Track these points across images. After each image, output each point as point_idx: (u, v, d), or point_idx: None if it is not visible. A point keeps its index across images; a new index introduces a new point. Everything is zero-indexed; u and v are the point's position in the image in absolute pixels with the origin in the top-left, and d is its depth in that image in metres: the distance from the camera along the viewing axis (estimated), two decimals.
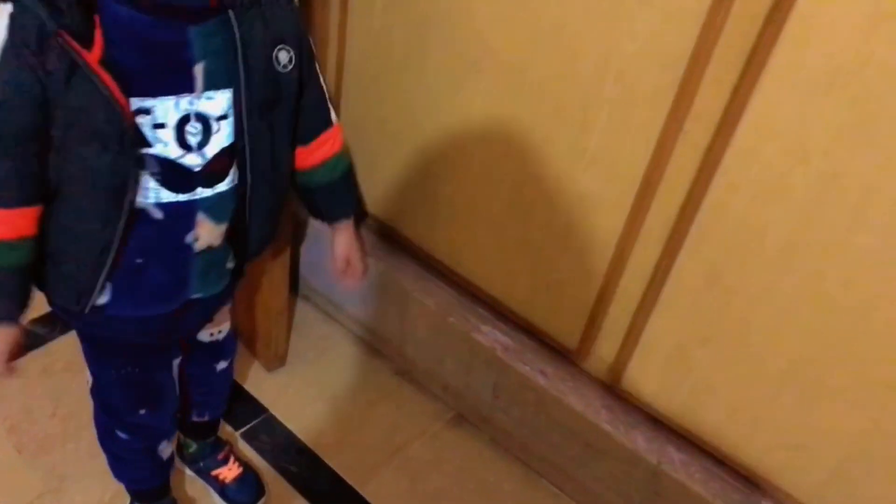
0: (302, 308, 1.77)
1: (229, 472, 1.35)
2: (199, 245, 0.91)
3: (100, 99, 0.76)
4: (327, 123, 1.03)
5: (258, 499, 1.35)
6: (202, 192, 0.87)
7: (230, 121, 0.85)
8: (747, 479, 1.24)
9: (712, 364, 1.18)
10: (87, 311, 0.90)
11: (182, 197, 0.86)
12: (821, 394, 1.08)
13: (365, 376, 1.65)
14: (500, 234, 1.37)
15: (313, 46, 0.96)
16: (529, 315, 1.42)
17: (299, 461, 1.45)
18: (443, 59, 1.29)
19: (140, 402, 1.10)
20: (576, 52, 1.12)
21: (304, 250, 1.71)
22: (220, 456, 1.35)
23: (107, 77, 0.76)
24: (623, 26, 1.05)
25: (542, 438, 1.45)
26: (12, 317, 0.88)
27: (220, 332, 1.20)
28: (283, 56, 0.87)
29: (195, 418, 1.30)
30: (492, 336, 1.46)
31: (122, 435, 1.13)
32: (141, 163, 0.82)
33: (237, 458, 1.37)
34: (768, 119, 0.98)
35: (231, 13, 0.81)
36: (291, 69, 0.89)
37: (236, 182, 0.89)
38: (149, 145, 0.82)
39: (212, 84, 0.82)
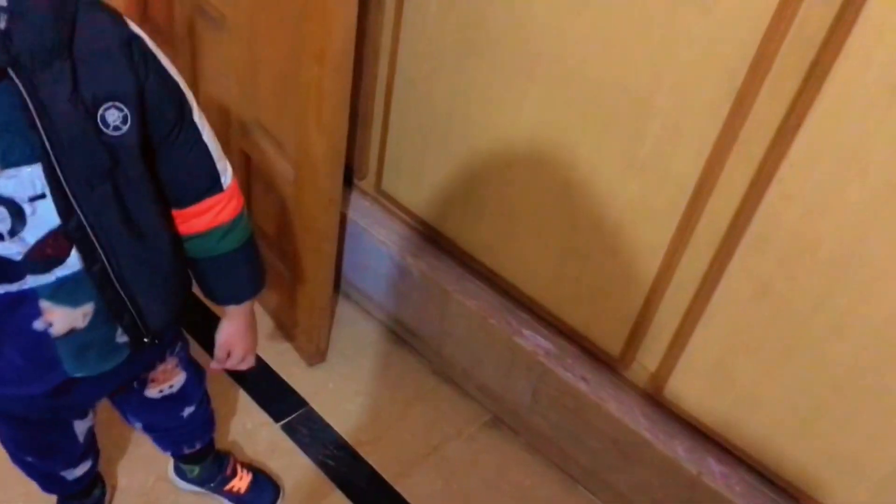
0: (343, 305, 1.79)
1: (241, 481, 1.32)
2: (57, 330, 0.79)
3: None
4: (213, 188, 0.86)
5: (276, 498, 1.34)
6: (36, 280, 0.75)
7: (49, 200, 0.71)
8: (789, 494, 1.22)
9: (758, 376, 1.17)
10: None
11: (11, 287, 0.74)
12: (870, 408, 1.07)
13: (403, 374, 1.66)
14: (546, 239, 1.38)
15: (188, 98, 0.81)
16: (572, 320, 1.42)
17: (337, 455, 1.46)
18: (495, 63, 1.30)
19: (26, 452, 1.04)
20: (629, 60, 1.12)
21: (347, 248, 1.73)
22: (228, 471, 1.32)
23: None
24: (679, 34, 1.05)
25: (580, 444, 1.45)
26: None
27: (170, 386, 1.07)
28: (112, 116, 0.71)
29: (186, 451, 1.24)
30: (533, 340, 1.46)
31: (19, 463, 1.08)
32: None
33: (243, 465, 1.35)
34: (827, 131, 0.97)
35: (13, 75, 0.65)
36: (126, 130, 0.72)
37: (84, 264, 0.76)
38: None
39: (10, 161, 0.68)
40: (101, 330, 0.82)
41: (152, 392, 1.05)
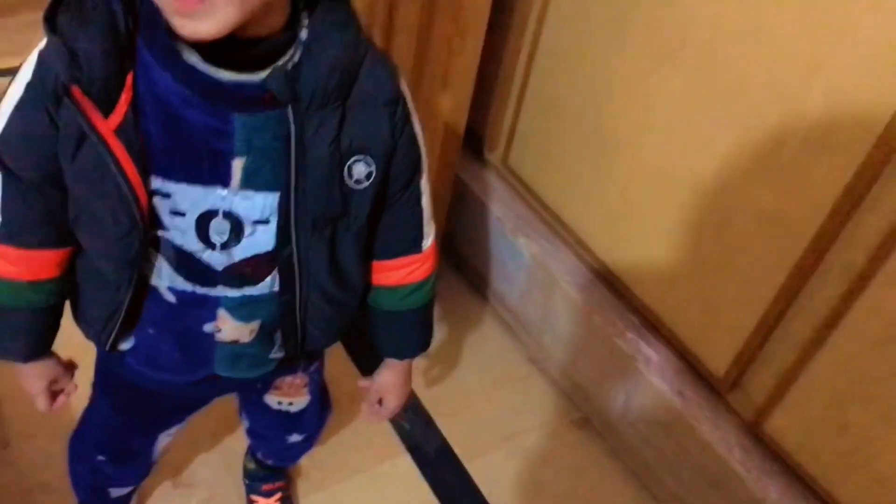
0: (450, 277, 1.77)
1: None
2: (222, 337, 0.80)
3: (108, 172, 0.65)
4: (415, 247, 0.85)
5: None
6: (224, 291, 0.76)
7: (272, 227, 0.72)
8: None
9: (872, 427, 1.04)
10: (109, 349, 0.83)
11: (199, 289, 0.75)
12: None
13: (498, 356, 1.62)
14: (666, 239, 1.29)
15: (423, 161, 0.80)
16: (680, 332, 1.32)
17: (413, 420, 1.45)
18: (642, 45, 1.22)
19: (103, 451, 1.02)
20: (784, 56, 1.01)
21: (463, 220, 1.71)
22: (266, 487, 1.28)
23: (119, 149, 0.64)
24: (843, 33, 0.94)
25: (666, 462, 1.36)
26: (19, 358, 0.83)
27: (290, 403, 1.05)
28: (359, 169, 0.71)
29: (259, 456, 1.23)
30: (635, 345, 1.38)
31: (79, 463, 1.06)
32: (154, 243, 0.72)
33: (283, 498, 1.29)
34: None
35: (290, 109, 0.66)
36: (367, 186, 0.72)
37: (277, 289, 0.77)
38: (165, 228, 0.71)
39: (252, 184, 0.69)
40: (260, 346, 0.83)
41: (271, 400, 1.03)
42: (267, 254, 0.73)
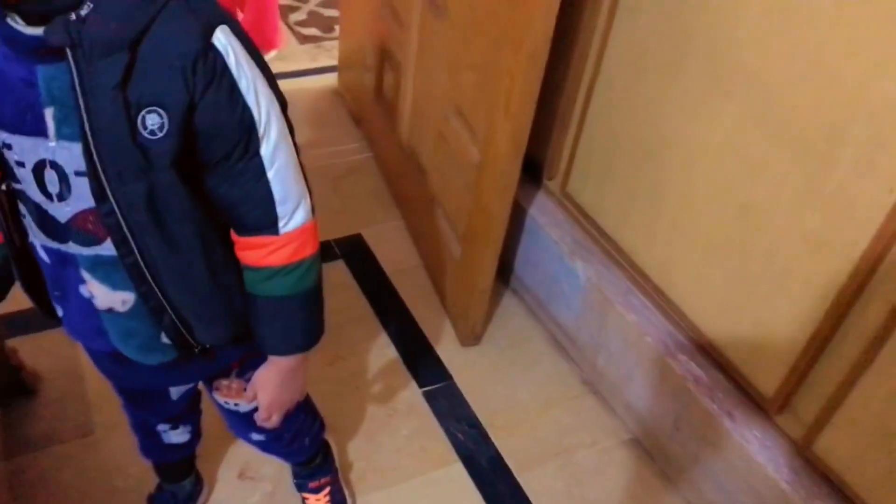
0: (509, 298, 1.84)
1: (316, 501, 1.32)
2: (99, 304, 0.84)
3: None
4: (268, 226, 0.82)
5: None
6: (77, 249, 0.80)
7: (86, 179, 0.74)
8: None
9: None
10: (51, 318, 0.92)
11: (60, 246, 0.80)
12: None
13: (551, 376, 1.67)
14: (716, 262, 1.33)
15: (262, 130, 0.77)
16: (729, 353, 1.36)
17: (468, 431, 1.51)
18: (696, 74, 1.28)
19: (124, 399, 1.10)
20: (830, 84, 1.06)
21: (522, 244, 1.77)
22: (313, 484, 1.31)
23: None
24: (887, 61, 0.98)
25: (715, 483, 1.38)
26: None
27: (236, 405, 1.05)
28: (152, 120, 0.71)
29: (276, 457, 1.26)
30: (686, 366, 1.42)
31: (125, 410, 1.14)
32: (11, 196, 0.79)
33: (332, 492, 1.32)
34: None
35: (70, 57, 0.68)
36: (162, 137, 0.71)
37: (117, 252, 0.78)
38: (19, 182, 0.77)
39: (63, 134, 0.72)
40: (143, 323, 0.85)
41: (219, 398, 1.06)
42: (93, 209, 0.76)
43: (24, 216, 0.81)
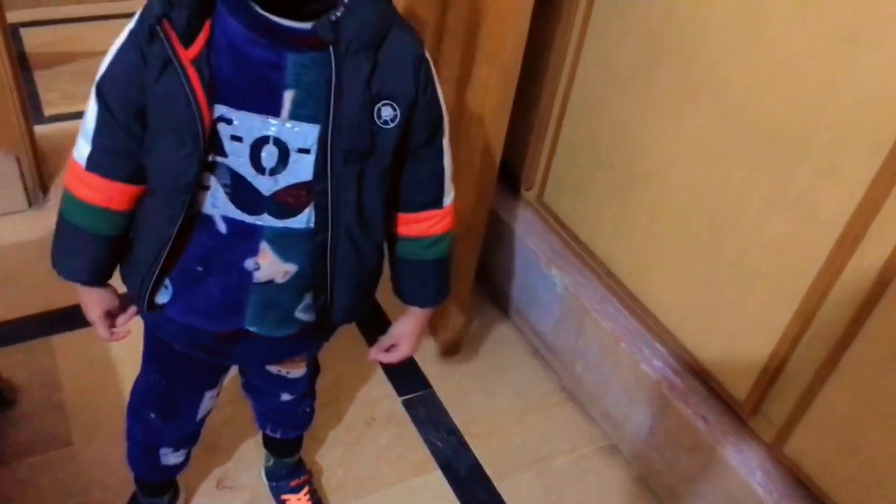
0: (488, 309, 1.86)
1: (297, 501, 1.34)
2: (260, 275, 0.89)
3: (182, 94, 0.78)
4: (436, 202, 0.96)
5: None
6: (269, 220, 0.86)
7: (312, 157, 0.83)
8: None
9: (884, 446, 1.08)
10: (147, 307, 0.93)
11: (248, 218, 0.86)
12: None
13: (530, 384, 1.69)
14: (688, 269, 1.36)
15: (444, 123, 0.92)
16: (703, 358, 1.38)
17: (447, 439, 1.52)
18: (665, 84, 1.31)
19: (153, 408, 1.12)
20: (794, 92, 1.09)
21: (500, 255, 1.80)
22: (293, 483, 1.35)
23: (194, 75, 0.78)
24: (846, 70, 1.01)
25: (690, 487, 1.39)
26: (81, 278, 0.93)
27: (287, 372, 1.16)
28: (386, 112, 0.83)
29: (268, 432, 1.31)
30: (661, 371, 1.44)
31: (134, 420, 1.16)
32: (212, 169, 0.83)
33: (311, 491, 1.36)
34: None
35: (332, 52, 0.79)
36: (392, 127, 0.84)
37: (313, 225, 0.87)
38: (224, 154, 0.83)
39: (298, 115, 0.81)
40: (290, 295, 0.92)
41: (272, 366, 1.15)
42: (306, 183, 0.84)
43: (208, 188, 0.85)
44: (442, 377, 1.66)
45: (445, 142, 0.93)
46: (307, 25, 0.78)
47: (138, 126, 0.84)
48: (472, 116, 1.37)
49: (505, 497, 1.44)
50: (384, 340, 1.10)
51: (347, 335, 1.71)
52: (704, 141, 1.26)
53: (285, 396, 1.21)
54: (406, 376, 1.65)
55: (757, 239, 1.20)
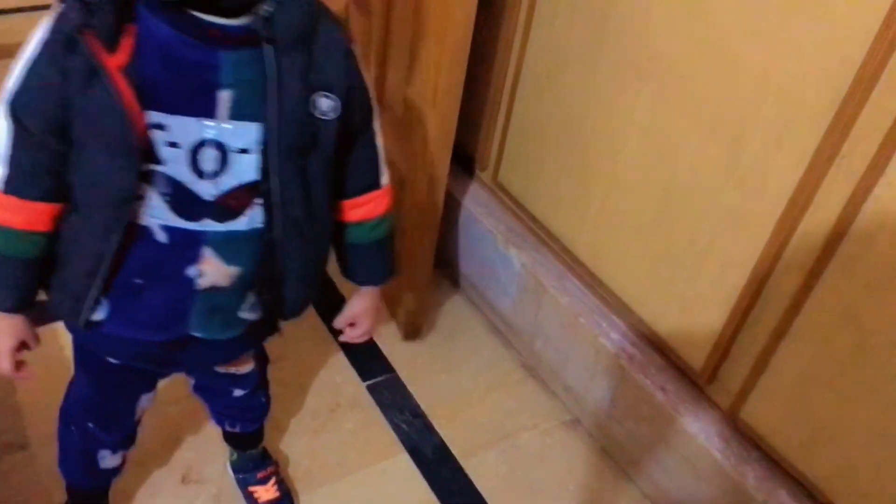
0: (448, 290, 1.86)
1: (265, 492, 1.33)
2: (203, 282, 0.87)
3: (112, 105, 0.75)
4: (374, 185, 0.98)
5: None
6: (211, 225, 0.84)
7: (254, 157, 0.82)
8: None
9: (836, 408, 1.12)
10: (83, 326, 0.89)
11: (189, 225, 0.83)
12: None
13: (492, 363, 1.70)
14: (643, 243, 1.38)
15: (374, 105, 0.94)
16: (660, 329, 1.40)
17: (412, 422, 1.53)
18: (613, 62, 1.32)
19: (90, 417, 1.10)
20: (738, 67, 1.11)
21: (459, 236, 1.80)
22: (261, 474, 1.34)
23: (123, 84, 0.75)
24: (789, 41, 1.03)
25: (652, 456, 1.43)
26: (6, 305, 0.88)
27: (235, 370, 1.15)
28: (325, 103, 0.83)
29: (227, 428, 1.30)
30: (619, 344, 1.46)
31: (69, 428, 1.13)
32: (148, 178, 0.80)
33: (278, 481, 1.35)
34: None
35: (267, 48, 0.78)
36: (334, 118, 0.84)
37: (260, 226, 0.86)
38: (160, 162, 0.80)
39: (237, 115, 0.80)
40: (233, 297, 0.90)
41: (219, 368, 1.14)
42: (251, 184, 0.83)
43: (143, 198, 0.81)
44: (404, 360, 1.66)
45: (377, 124, 0.95)
46: (239, 22, 0.77)
47: (59, 142, 0.80)
48: (424, 98, 1.37)
49: (471, 476, 1.46)
50: (341, 320, 1.10)
51: (308, 323, 1.71)
52: (654, 117, 1.28)
53: (237, 392, 1.20)
54: (369, 361, 1.65)
55: (709, 211, 1.23)
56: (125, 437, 1.16)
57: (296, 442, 1.47)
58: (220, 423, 1.30)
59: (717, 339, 1.28)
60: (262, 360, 1.23)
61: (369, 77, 0.91)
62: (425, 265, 1.60)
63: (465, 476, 1.46)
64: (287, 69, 0.79)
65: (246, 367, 1.16)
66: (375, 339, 1.69)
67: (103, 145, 0.78)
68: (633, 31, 1.27)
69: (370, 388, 1.59)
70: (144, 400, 1.12)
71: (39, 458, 1.36)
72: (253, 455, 1.36)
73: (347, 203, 0.97)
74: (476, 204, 1.75)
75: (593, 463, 1.52)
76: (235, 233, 0.85)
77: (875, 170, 0.97)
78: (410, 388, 1.60)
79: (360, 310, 1.09)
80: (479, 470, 1.47)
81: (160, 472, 1.38)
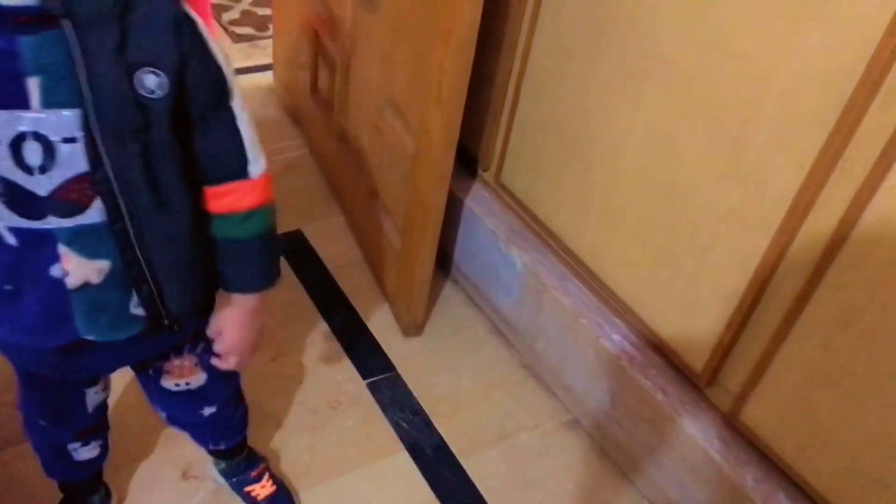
0: (450, 288, 1.87)
1: (262, 489, 1.33)
2: (72, 281, 0.82)
3: None
4: (239, 173, 0.89)
5: None
6: (57, 222, 0.79)
7: (79, 146, 0.75)
8: None
9: (835, 410, 1.12)
10: None
11: (34, 224, 0.78)
12: None
13: (493, 362, 1.70)
14: (644, 243, 1.38)
15: (230, 83, 0.85)
16: (661, 331, 1.41)
17: (412, 420, 1.53)
18: (617, 61, 1.33)
19: (40, 416, 1.07)
20: (742, 67, 1.11)
21: (460, 235, 1.80)
22: (254, 473, 1.33)
23: None
24: (793, 42, 1.04)
25: (651, 457, 1.43)
26: None
27: (187, 383, 1.09)
28: (150, 80, 0.76)
29: (211, 447, 1.27)
30: (620, 345, 1.46)
31: (29, 427, 1.12)
32: None
33: (272, 476, 1.35)
34: None
35: (67, 27, 0.71)
36: (163, 96, 0.77)
37: (107, 218, 0.80)
38: None
39: (51, 102, 0.73)
40: (115, 293, 0.85)
41: (168, 383, 1.08)
42: (85, 175, 0.77)
43: None
44: (405, 359, 1.66)
45: (237, 104, 0.86)
46: (31, 1, 0.70)
47: None
48: (429, 98, 1.37)
49: (471, 474, 1.46)
50: (210, 331, 1.00)
51: (309, 321, 1.71)
52: (657, 117, 1.28)
53: (208, 411, 1.15)
54: (369, 359, 1.65)
55: (711, 212, 1.23)
56: (87, 429, 1.12)
57: (296, 439, 1.47)
58: (203, 444, 1.27)
59: (718, 341, 1.28)
60: (223, 372, 1.10)
61: (224, 54, 0.84)
62: (427, 264, 1.60)
63: (465, 475, 1.46)
64: (94, 48, 0.73)
65: (196, 378, 1.09)
66: (377, 337, 1.70)
67: None
68: (637, 34, 1.27)
69: (370, 386, 1.59)
70: (91, 393, 1.07)
71: (34, 455, 1.36)
72: (241, 459, 1.33)
73: (209, 191, 0.89)
74: (478, 204, 1.76)
75: (592, 463, 1.52)
76: (85, 226, 0.80)
77: (878, 174, 0.98)
78: (411, 387, 1.60)
79: (222, 318, 0.98)
80: (479, 469, 1.47)
81: (160, 467, 1.38)
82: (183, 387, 1.09)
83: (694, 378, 1.36)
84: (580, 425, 1.59)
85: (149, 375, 1.08)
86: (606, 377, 1.48)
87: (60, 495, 1.27)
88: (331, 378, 1.60)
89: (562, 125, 1.50)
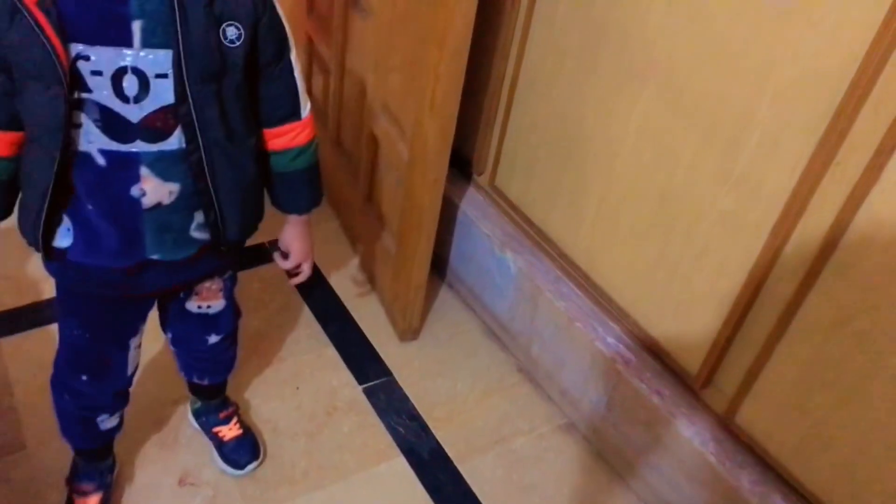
0: (445, 293, 1.87)
1: (229, 431, 1.40)
2: (147, 201, 0.94)
3: (35, 39, 0.82)
4: (293, 115, 1.05)
5: (251, 461, 1.40)
6: (143, 146, 0.91)
7: (170, 81, 0.88)
8: None
9: (830, 411, 1.12)
10: (46, 253, 0.98)
11: (123, 147, 0.91)
12: None
13: (488, 367, 1.71)
14: (639, 246, 1.39)
15: (289, 39, 1.00)
16: (656, 333, 1.41)
17: (408, 425, 1.53)
18: (611, 66, 1.33)
19: (82, 369, 1.14)
20: (735, 72, 1.12)
21: (456, 239, 1.81)
22: (223, 415, 1.41)
23: (42, 18, 0.82)
24: (786, 48, 1.05)
25: (647, 460, 1.43)
26: None
27: (208, 306, 1.21)
28: (231, 31, 0.91)
29: (195, 380, 1.36)
30: (615, 348, 1.47)
31: (65, 396, 1.18)
32: (79, 105, 0.88)
33: (240, 420, 1.43)
34: None
35: None
36: (239, 45, 0.91)
37: (184, 146, 0.93)
38: (88, 90, 0.87)
39: (149, 42, 0.86)
40: (179, 215, 0.98)
41: (192, 305, 1.19)
42: (170, 107, 0.90)
43: (80, 125, 0.89)
44: (401, 363, 1.66)
45: (293, 57, 1.01)
46: None
47: (7, 78, 0.89)
48: (423, 103, 1.38)
49: (467, 479, 1.46)
50: (278, 255, 1.20)
51: (305, 326, 1.71)
52: (651, 120, 1.29)
53: (213, 339, 1.26)
54: (366, 364, 1.65)
55: (705, 215, 1.24)
56: (119, 392, 1.21)
57: (293, 444, 1.47)
58: (188, 375, 1.36)
59: (713, 344, 1.29)
60: (235, 309, 1.27)
61: (284, 15, 0.98)
62: (422, 269, 1.61)
63: (461, 479, 1.46)
64: (189, 1, 0.86)
65: (216, 303, 1.21)
66: (373, 341, 1.70)
67: (35, 77, 0.86)
68: (630, 37, 1.28)
69: (367, 391, 1.59)
70: (132, 347, 1.16)
71: (37, 459, 1.36)
72: (215, 402, 1.42)
73: (268, 132, 1.05)
74: (473, 208, 1.76)
75: (588, 466, 1.52)
76: (166, 152, 0.93)
77: (870, 176, 0.98)
78: (407, 392, 1.60)
79: (288, 237, 1.18)
80: (475, 473, 1.47)
81: (157, 474, 1.38)
82: (204, 309, 1.21)
83: (689, 380, 1.36)
84: (576, 428, 1.60)
85: (179, 297, 1.18)
86: (602, 380, 1.49)
87: (60, 502, 1.28)
88: (327, 383, 1.60)
89: (556, 129, 1.51)
